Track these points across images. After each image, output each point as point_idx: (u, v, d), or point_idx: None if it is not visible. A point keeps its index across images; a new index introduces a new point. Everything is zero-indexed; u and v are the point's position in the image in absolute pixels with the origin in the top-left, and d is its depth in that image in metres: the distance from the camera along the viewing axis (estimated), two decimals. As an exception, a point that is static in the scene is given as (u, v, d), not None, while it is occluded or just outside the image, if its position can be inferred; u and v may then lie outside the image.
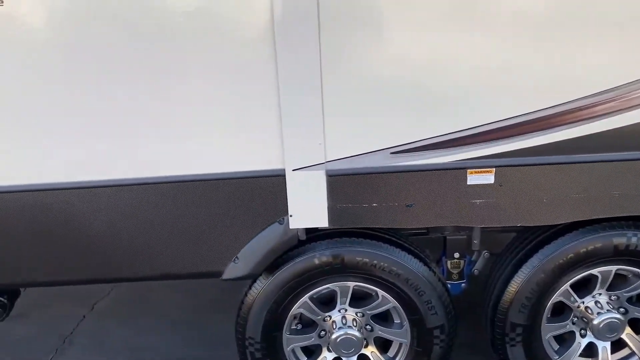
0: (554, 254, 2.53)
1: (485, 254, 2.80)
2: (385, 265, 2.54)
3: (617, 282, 2.64)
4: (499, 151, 2.34)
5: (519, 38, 2.22)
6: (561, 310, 2.72)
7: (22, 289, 2.88)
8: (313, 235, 2.58)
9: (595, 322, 2.62)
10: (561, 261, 2.54)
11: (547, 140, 2.32)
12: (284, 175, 2.36)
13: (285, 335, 2.67)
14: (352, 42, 2.22)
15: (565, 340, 2.76)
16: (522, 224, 2.47)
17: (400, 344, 2.72)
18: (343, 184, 2.38)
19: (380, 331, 2.71)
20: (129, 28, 2.19)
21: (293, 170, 2.35)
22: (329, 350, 2.71)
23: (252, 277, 2.58)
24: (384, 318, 2.72)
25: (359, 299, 2.67)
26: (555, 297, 2.62)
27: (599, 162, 2.36)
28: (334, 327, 2.64)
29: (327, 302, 2.68)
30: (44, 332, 3.61)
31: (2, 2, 2.12)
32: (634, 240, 2.49)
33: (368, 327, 2.69)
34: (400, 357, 2.73)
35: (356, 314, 2.67)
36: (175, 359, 3.34)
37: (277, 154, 2.34)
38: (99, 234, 2.41)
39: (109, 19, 2.17)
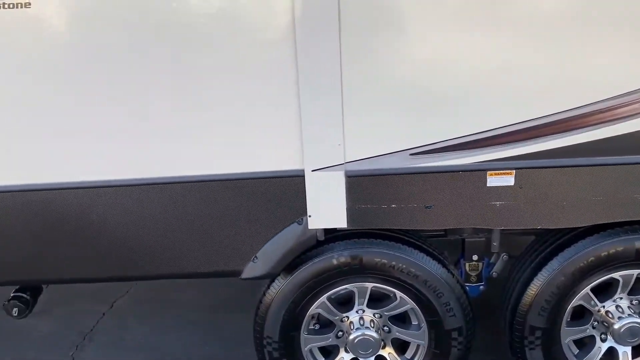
0: (574, 257, 2.51)
1: (504, 256, 2.79)
2: (404, 266, 2.54)
3: (638, 287, 2.61)
4: (520, 153, 2.33)
5: (541, 39, 2.21)
6: (581, 314, 2.69)
7: (44, 286, 2.93)
8: (331, 235, 2.59)
9: (616, 326, 2.59)
10: (582, 264, 2.51)
11: (568, 143, 2.31)
12: (303, 176, 2.37)
13: (303, 335, 2.68)
14: (372, 43, 2.23)
15: (585, 344, 2.74)
16: (543, 227, 2.45)
17: (418, 346, 2.72)
18: (362, 185, 2.38)
19: (398, 332, 2.70)
20: (152, 30, 2.22)
21: (312, 170, 2.36)
22: (346, 351, 2.71)
23: (271, 277, 2.59)
24: (401, 319, 2.72)
25: (376, 300, 2.67)
26: (575, 301, 2.59)
27: (621, 164, 2.34)
28: (352, 327, 2.64)
29: (345, 303, 2.69)
30: (66, 328, 3.66)
31: (30, 4, 2.17)
32: (656, 244, 2.46)
33: (385, 328, 2.69)
34: (418, 359, 2.73)
35: (374, 315, 2.67)
36: (192, 357, 3.37)
37: (296, 155, 2.35)
38: (121, 233, 2.44)
39: (132, 21, 2.21)
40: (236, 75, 2.27)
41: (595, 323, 2.67)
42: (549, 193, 2.38)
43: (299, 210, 2.43)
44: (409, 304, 2.62)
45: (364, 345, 2.63)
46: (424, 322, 2.64)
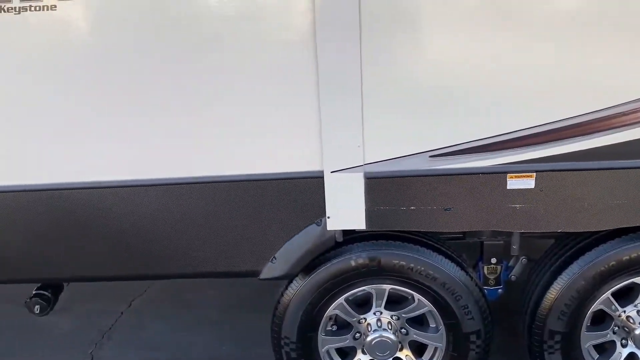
0: (595, 261, 2.49)
1: (523, 259, 2.77)
2: (422, 268, 2.54)
3: (660, 292, 2.59)
4: (540, 156, 2.32)
5: (564, 41, 2.20)
6: (602, 319, 2.66)
7: (65, 284, 2.97)
8: (350, 237, 2.59)
9: (637, 331, 2.56)
10: (602, 269, 2.49)
11: (591, 145, 2.29)
12: (322, 177, 2.38)
13: (321, 336, 2.69)
14: (392, 45, 2.24)
15: (605, 349, 2.70)
16: (563, 230, 2.44)
17: (436, 349, 2.71)
18: (381, 187, 2.39)
19: (416, 335, 2.70)
20: (176, 33, 2.25)
21: (331, 172, 2.37)
22: (363, 353, 2.71)
23: (289, 278, 2.60)
24: (419, 322, 2.71)
25: (394, 302, 2.67)
26: (595, 305, 2.57)
27: (643, 168, 2.32)
28: (369, 329, 2.64)
29: (363, 304, 2.69)
30: (85, 326, 3.71)
31: (55, 6, 2.20)
32: (679, 248, 2.43)
33: (403, 330, 2.69)
34: (435, 362, 2.72)
35: (391, 317, 2.66)
36: (209, 356, 3.39)
37: (316, 156, 2.36)
38: (143, 232, 2.47)
39: (158, 24, 2.24)
40: (258, 77, 2.29)
41: (616, 328, 2.64)
42: (570, 196, 2.36)
43: (318, 211, 2.44)
44: (427, 306, 2.61)
45: (382, 347, 2.63)
46: (442, 324, 2.63)
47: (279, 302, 2.66)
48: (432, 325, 2.68)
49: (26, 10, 2.20)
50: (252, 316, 3.65)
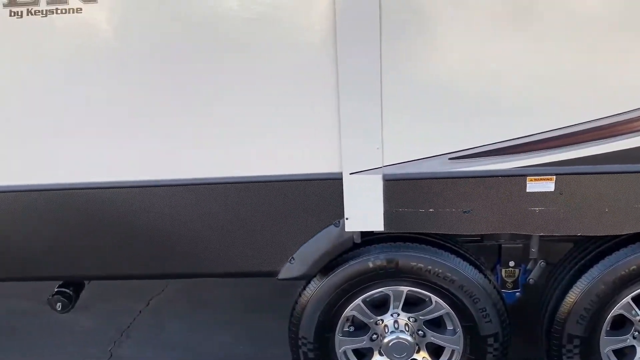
0: (615, 266, 2.47)
1: (542, 263, 2.76)
2: (440, 271, 2.54)
3: (681, 297, 2.56)
4: (560, 159, 2.31)
5: (586, 45, 2.19)
6: (622, 324, 2.64)
7: (86, 282, 3.02)
8: (367, 238, 2.60)
9: (658, 337, 2.54)
10: (623, 273, 2.47)
11: (611, 149, 2.28)
12: (341, 179, 2.39)
13: (338, 336, 2.70)
14: (413, 47, 2.25)
15: (625, 354, 2.68)
16: (583, 234, 2.42)
17: (453, 351, 2.71)
18: (400, 189, 2.39)
19: (433, 337, 2.70)
20: (197, 35, 2.28)
21: (350, 173, 2.39)
22: (380, 354, 2.72)
23: (307, 278, 2.62)
24: (436, 324, 2.71)
25: (412, 304, 2.67)
26: (615, 310, 2.55)
27: (665, 171, 2.30)
28: (386, 331, 2.65)
29: (380, 306, 2.70)
30: (104, 324, 3.76)
31: (81, 9, 2.25)
32: (701, 253, 2.40)
33: (420, 332, 2.69)
34: (452, 364, 2.72)
35: (409, 319, 2.67)
36: (225, 356, 3.41)
37: (335, 158, 2.38)
38: (164, 232, 2.51)
39: (184, 28, 2.28)
40: (277, 80, 2.31)
41: (636, 333, 2.61)
42: (590, 199, 2.35)
43: (336, 212, 2.45)
44: (445, 308, 2.61)
45: (399, 348, 2.63)
46: (460, 327, 2.63)
47: (296, 302, 2.68)
48: (450, 327, 2.68)
49: (53, 13, 2.25)
50: (268, 316, 3.68)
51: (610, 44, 2.19)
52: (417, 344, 2.67)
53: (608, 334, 2.60)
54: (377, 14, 2.19)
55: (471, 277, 2.56)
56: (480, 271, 2.60)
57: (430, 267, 2.54)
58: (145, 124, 2.38)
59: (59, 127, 2.40)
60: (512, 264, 2.73)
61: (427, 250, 2.56)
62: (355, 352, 2.79)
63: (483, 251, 2.76)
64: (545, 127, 2.27)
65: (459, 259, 2.58)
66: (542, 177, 2.33)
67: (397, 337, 2.62)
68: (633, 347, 2.64)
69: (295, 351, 2.73)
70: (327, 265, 2.57)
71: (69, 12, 2.24)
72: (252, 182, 2.43)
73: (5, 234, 2.56)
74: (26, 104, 2.38)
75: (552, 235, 2.47)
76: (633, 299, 2.54)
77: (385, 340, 2.64)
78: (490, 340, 2.62)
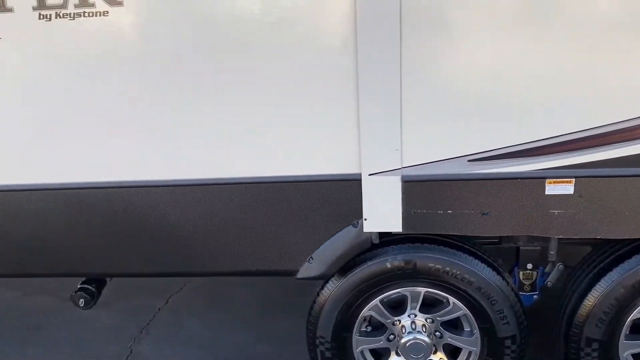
0: (635, 269, 2.46)
1: (560, 265, 2.75)
2: (458, 272, 2.55)
3: (703, 301, 2.53)
4: (580, 162, 2.30)
5: (605, 46, 2.18)
6: (641, 328, 2.63)
7: (108, 279, 3.08)
8: (385, 239, 2.62)
9: (678, 341, 2.52)
10: (643, 277, 2.46)
11: (631, 152, 2.27)
12: (360, 180, 2.41)
13: (355, 336, 2.72)
14: (432, 49, 2.26)
15: (644, 359, 2.67)
16: (602, 237, 2.41)
17: (470, 352, 2.71)
18: (418, 190, 2.41)
19: (450, 338, 2.71)
20: (217, 37, 2.31)
21: (369, 175, 2.41)
22: (397, 355, 2.73)
23: (325, 278, 2.64)
24: (454, 325, 2.72)
25: (429, 305, 2.69)
26: (635, 314, 2.53)
27: (687, 174, 2.28)
28: (404, 331, 2.67)
29: (397, 307, 2.71)
30: (124, 321, 3.83)
31: (108, 12, 2.30)
32: None
33: (437, 333, 2.70)
34: (470, 366, 2.73)
35: (426, 320, 2.68)
36: (243, 354, 3.45)
37: (354, 159, 2.40)
38: (186, 231, 2.55)
39: (199, 29, 2.31)
40: (297, 81, 2.33)
41: (656, 337, 2.60)
42: (609, 202, 2.34)
43: (355, 213, 2.47)
44: (462, 310, 2.62)
45: (416, 349, 2.65)
46: (477, 328, 2.64)
47: (314, 302, 2.71)
48: (467, 329, 2.68)
49: (80, 16, 2.30)
50: (285, 315, 3.71)
51: (634, 46, 2.18)
52: (434, 345, 2.69)
53: (627, 337, 2.59)
54: (398, 16, 2.21)
55: (489, 279, 2.56)
56: (498, 273, 2.61)
57: (448, 268, 2.55)
58: (173, 124, 2.41)
59: (87, 128, 2.44)
60: (530, 266, 2.73)
61: (445, 251, 2.58)
62: (372, 352, 2.81)
63: (501, 253, 2.76)
64: (565, 130, 2.26)
65: (477, 261, 2.59)
66: (561, 179, 2.33)
67: (415, 338, 2.64)
68: (653, 352, 2.63)
69: (313, 350, 2.75)
70: (345, 265, 2.59)
71: (96, 15, 2.29)
72: (273, 182, 2.46)
73: (33, 231, 2.62)
74: (57, 105, 2.43)
75: (571, 238, 2.47)
76: (653, 303, 2.53)
77: (403, 340, 2.65)
78: (508, 342, 2.62)
